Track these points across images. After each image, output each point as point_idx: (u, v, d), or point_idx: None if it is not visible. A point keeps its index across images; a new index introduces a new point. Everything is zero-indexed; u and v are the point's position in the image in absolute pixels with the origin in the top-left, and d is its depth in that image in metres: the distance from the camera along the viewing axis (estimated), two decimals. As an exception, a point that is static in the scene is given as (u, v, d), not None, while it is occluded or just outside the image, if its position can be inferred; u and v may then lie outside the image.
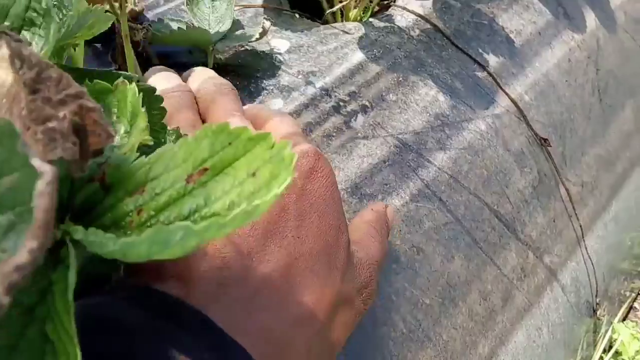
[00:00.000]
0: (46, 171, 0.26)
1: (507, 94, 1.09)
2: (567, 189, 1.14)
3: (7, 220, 0.26)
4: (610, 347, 1.45)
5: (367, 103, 0.95)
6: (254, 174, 0.35)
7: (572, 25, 1.30)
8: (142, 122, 0.42)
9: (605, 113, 1.32)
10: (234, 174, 0.35)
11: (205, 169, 0.36)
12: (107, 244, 0.29)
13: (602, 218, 1.28)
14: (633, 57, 1.45)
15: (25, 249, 0.25)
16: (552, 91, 1.18)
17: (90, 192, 0.37)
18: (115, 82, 0.44)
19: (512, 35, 1.17)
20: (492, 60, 1.11)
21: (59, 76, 0.31)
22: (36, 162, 0.27)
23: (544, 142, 1.10)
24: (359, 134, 0.91)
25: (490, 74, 1.09)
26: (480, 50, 1.11)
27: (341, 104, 0.93)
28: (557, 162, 1.13)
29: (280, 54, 0.97)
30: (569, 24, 1.29)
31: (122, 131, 0.43)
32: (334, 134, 0.90)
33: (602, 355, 1.40)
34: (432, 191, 0.92)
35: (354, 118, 0.93)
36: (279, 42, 1.00)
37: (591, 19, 1.35)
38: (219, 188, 0.36)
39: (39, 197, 0.26)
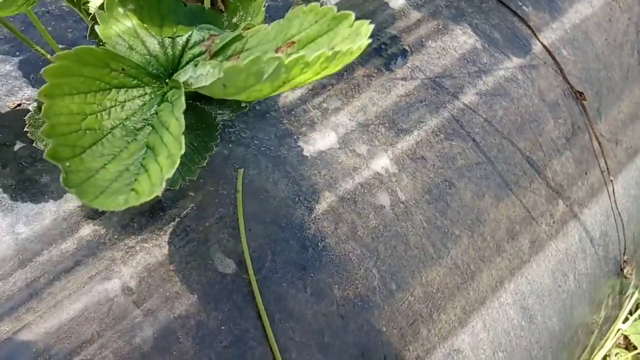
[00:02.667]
0: None
1: (545, 46, 1.12)
2: (600, 144, 1.17)
3: None
4: (637, 308, 1.47)
5: (407, 47, 0.99)
6: (333, 48, 0.40)
7: (614, -14, 1.32)
8: (261, 17, 0.50)
9: (643, 75, 1.33)
10: (316, 48, 0.41)
11: (293, 42, 0.42)
12: (212, 72, 0.35)
13: (636, 178, 1.30)
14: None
15: None
16: (591, 48, 1.21)
17: (198, 53, 0.43)
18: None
19: (552, -9, 1.19)
20: (532, 13, 1.14)
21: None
22: None
23: (579, 96, 1.13)
24: (398, 76, 0.95)
25: (529, 27, 1.12)
26: (520, 4, 1.14)
27: (382, 47, 0.98)
28: (591, 117, 1.16)
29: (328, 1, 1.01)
30: (611, -16, 1.31)
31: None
32: (375, 74, 0.94)
33: (628, 315, 1.42)
34: (467, 132, 0.96)
35: (394, 61, 0.97)
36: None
37: (633, -19, 1.37)
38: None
39: None
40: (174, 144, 0.34)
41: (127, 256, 0.67)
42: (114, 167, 0.37)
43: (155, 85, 0.41)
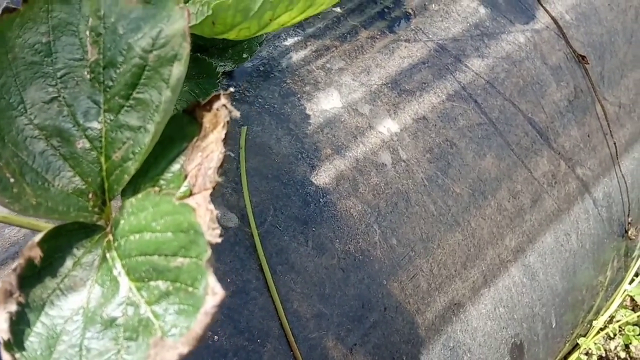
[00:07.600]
0: (219, 293, 0.30)
1: (547, 10, 1.12)
2: (603, 107, 1.18)
3: (165, 287, 0.31)
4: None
5: (410, 11, 1.00)
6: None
7: (618, -50, 1.32)
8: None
9: (647, 39, 1.34)
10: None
11: None
12: (201, 11, 0.36)
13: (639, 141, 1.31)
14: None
15: (176, 352, 0.30)
16: (594, 13, 1.22)
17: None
18: None
19: (555, -46, 1.20)
20: (535, -23, 1.15)
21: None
22: (211, 280, 0.30)
23: (581, 60, 1.14)
24: (401, 38, 0.97)
25: (531, -10, 1.13)
26: (523, -33, 1.15)
27: (386, 10, 0.99)
28: (594, 81, 1.17)
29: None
30: (615, -52, 1.32)
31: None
32: (378, 37, 0.96)
33: (634, 277, 1.43)
34: (468, 93, 0.97)
35: (398, 23, 0.98)
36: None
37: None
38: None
39: (203, 315, 0.30)
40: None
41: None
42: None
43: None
